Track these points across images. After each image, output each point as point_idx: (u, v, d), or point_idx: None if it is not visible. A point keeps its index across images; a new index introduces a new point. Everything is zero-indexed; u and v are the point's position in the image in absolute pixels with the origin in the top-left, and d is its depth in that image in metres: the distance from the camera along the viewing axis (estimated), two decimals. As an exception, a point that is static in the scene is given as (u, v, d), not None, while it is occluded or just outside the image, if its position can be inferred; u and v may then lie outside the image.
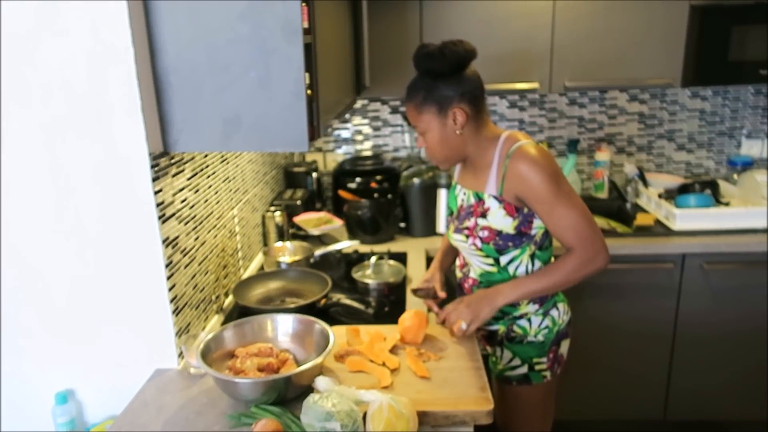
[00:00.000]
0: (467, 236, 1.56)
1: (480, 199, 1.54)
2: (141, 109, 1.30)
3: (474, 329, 1.51)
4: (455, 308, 1.53)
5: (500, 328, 1.62)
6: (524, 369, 1.61)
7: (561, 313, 1.61)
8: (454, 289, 1.77)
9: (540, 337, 1.59)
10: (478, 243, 1.54)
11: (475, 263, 1.61)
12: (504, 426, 1.71)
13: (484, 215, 1.53)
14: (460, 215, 1.61)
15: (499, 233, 1.51)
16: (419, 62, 1.46)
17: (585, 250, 1.46)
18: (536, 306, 1.58)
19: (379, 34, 2.36)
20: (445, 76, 1.45)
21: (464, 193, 1.61)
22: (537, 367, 1.61)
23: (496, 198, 1.51)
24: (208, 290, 1.72)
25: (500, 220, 1.51)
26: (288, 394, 1.28)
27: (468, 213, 1.57)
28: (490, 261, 1.56)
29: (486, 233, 1.52)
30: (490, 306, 1.50)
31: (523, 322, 1.59)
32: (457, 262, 1.75)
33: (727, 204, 2.52)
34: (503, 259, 1.54)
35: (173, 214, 1.48)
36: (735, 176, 2.72)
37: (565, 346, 1.64)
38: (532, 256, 1.55)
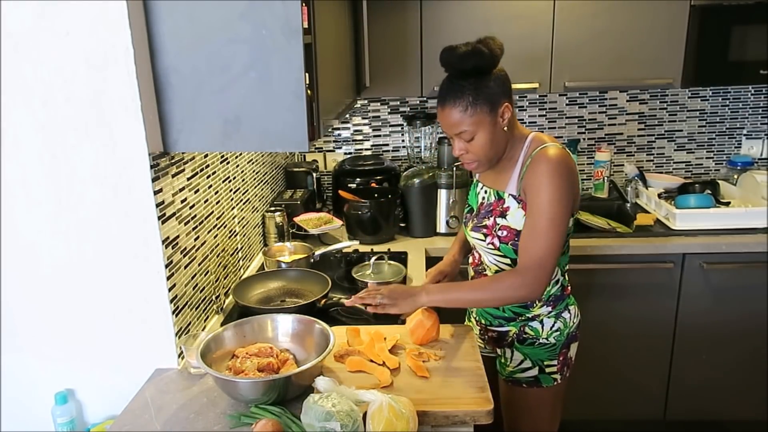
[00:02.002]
0: (486, 235, 1.55)
1: (500, 198, 1.54)
2: (141, 109, 1.30)
3: (385, 311, 1.48)
4: (379, 289, 1.51)
5: (512, 329, 1.61)
6: (535, 371, 1.60)
7: (572, 316, 1.61)
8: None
9: (551, 340, 1.59)
10: (496, 242, 1.53)
11: (491, 262, 1.59)
12: (512, 429, 1.70)
13: (503, 215, 1.52)
14: (479, 213, 1.60)
15: (518, 233, 1.49)
16: (462, 60, 1.40)
17: (528, 273, 1.42)
18: (549, 308, 1.57)
19: (379, 34, 2.36)
20: (488, 72, 1.42)
21: (485, 191, 1.60)
22: (548, 370, 1.60)
23: (515, 198, 1.50)
24: (208, 290, 1.72)
25: (519, 220, 1.49)
26: (288, 394, 1.28)
27: (488, 211, 1.56)
28: (507, 261, 1.55)
29: (505, 233, 1.51)
30: (414, 302, 1.48)
31: (536, 324, 1.58)
32: (470, 260, 1.73)
33: (727, 204, 2.52)
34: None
35: (173, 214, 1.48)
36: (735, 176, 2.72)
37: (573, 349, 1.64)
38: None
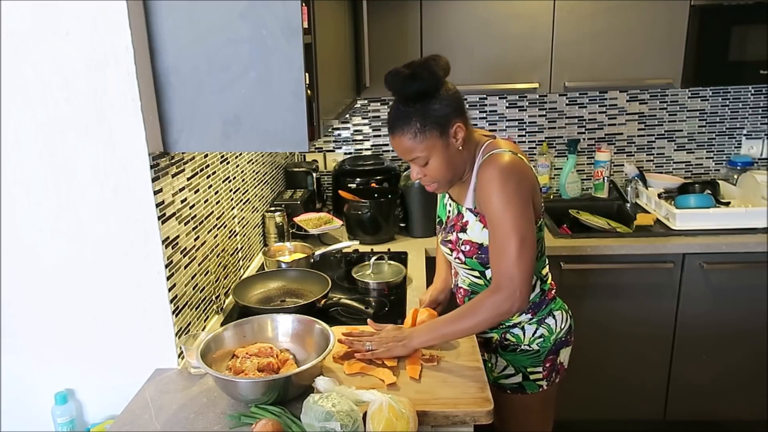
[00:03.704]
0: (451, 249, 1.55)
1: (460, 213, 1.53)
2: (141, 109, 1.30)
3: (372, 357, 1.44)
4: (371, 336, 1.48)
5: (494, 336, 1.60)
6: (518, 378, 1.59)
7: (558, 322, 1.58)
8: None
9: (534, 346, 1.57)
10: (462, 257, 1.52)
11: (463, 275, 1.60)
12: None
13: (464, 229, 1.51)
14: (446, 227, 1.60)
15: (480, 246, 1.49)
16: (404, 86, 1.36)
17: (502, 289, 1.38)
18: (529, 315, 1.55)
19: (379, 34, 2.36)
20: (434, 95, 1.37)
21: (450, 205, 1.59)
22: (532, 377, 1.59)
23: (471, 211, 1.49)
24: (208, 290, 1.72)
25: (478, 233, 1.48)
26: (288, 394, 1.28)
27: (451, 227, 1.56)
28: (476, 273, 1.55)
29: (468, 247, 1.50)
30: (405, 348, 1.43)
31: (517, 331, 1.57)
32: (453, 270, 1.73)
33: (727, 204, 2.52)
34: (488, 273, 1.50)
35: (173, 214, 1.48)
36: (735, 176, 2.72)
37: (564, 355, 1.62)
38: None
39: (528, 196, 1.40)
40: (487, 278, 1.53)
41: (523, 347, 1.57)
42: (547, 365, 1.58)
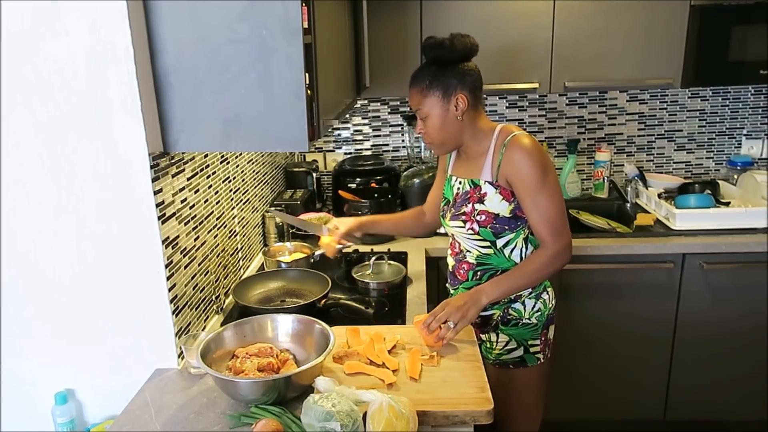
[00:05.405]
0: (465, 221, 1.63)
1: (476, 186, 1.62)
2: (141, 109, 1.30)
3: (461, 329, 1.52)
4: (442, 309, 1.53)
5: (496, 312, 1.68)
6: (520, 351, 1.69)
7: (550, 297, 1.71)
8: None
9: (533, 320, 1.68)
10: (476, 227, 1.61)
11: (472, 247, 1.66)
12: (499, 414, 1.71)
13: (481, 200, 1.61)
14: (456, 203, 1.68)
15: (496, 216, 1.59)
16: (427, 50, 1.56)
17: (554, 244, 1.55)
18: (529, 289, 1.65)
19: (379, 34, 2.36)
20: (451, 65, 1.54)
21: (459, 182, 1.68)
22: (532, 349, 1.69)
23: (491, 183, 1.59)
24: (208, 290, 1.72)
25: (497, 204, 1.59)
26: (288, 394, 1.29)
27: (464, 200, 1.64)
28: (487, 244, 1.64)
29: (483, 217, 1.60)
30: (476, 306, 1.54)
31: (518, 306, 1.67)
32: (449, 251, 1.79)
33: (727, 204, 2.52)
34: (499, 242, 1.62)
35: (173, 214, 1.48)
36: (735, 176, 2.72)
37: (552, 331, 1.74)
38: (526, 240, 1.63)
39: (553, 168, 1.59)
40: (497, 248, 1.63)
41: (524, 321, 1.67)
42: (542, 339, 1.70)
